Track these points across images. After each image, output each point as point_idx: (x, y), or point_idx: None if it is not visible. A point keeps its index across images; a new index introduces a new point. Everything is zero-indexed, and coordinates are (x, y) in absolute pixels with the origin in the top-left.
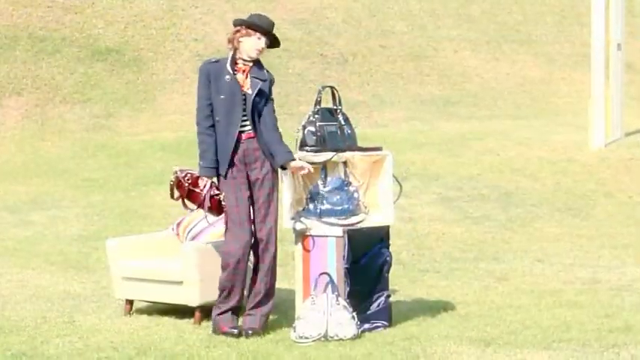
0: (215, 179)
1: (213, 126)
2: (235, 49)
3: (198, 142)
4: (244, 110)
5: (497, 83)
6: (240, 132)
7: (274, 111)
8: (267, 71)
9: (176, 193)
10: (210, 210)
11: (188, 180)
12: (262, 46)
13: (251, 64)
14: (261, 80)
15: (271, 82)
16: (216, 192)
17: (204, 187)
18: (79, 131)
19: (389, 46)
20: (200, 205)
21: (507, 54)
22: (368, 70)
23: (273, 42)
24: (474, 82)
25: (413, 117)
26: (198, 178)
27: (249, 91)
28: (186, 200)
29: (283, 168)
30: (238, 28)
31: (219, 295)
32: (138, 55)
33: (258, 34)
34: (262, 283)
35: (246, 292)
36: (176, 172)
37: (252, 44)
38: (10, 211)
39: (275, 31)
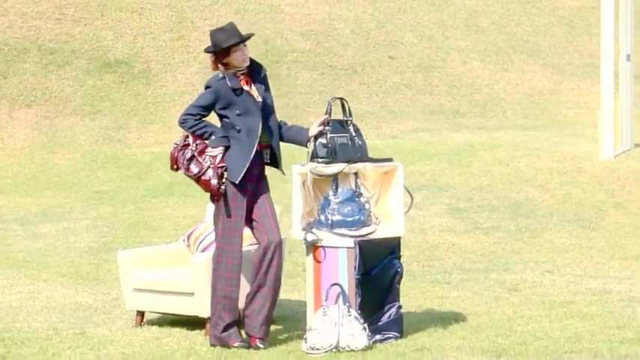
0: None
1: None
2: (226, 68)
3: (198, 129)
4: (261, 120)
5: (506, 94)
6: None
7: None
8: (258, 64)
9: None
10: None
11: (199, 145)
12: (247, 51)
13: (246, 70)
14: (261, 83)
15: (266, 75)
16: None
17: (214, 158)
18: (88, 143)
19: (398, 57)
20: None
21: (516, 65)
22: (377, 81)
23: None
24: (483, 93)
25: (422, 128)
26: (205, 148)
27: (259, 99)
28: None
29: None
30: (215, 55)
31: (219, 309)
32: (147, 67)
33: (237, 47)
34: (272, 288)
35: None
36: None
37: (239, 57)
38: (20, 223)
39: (283, 42)
